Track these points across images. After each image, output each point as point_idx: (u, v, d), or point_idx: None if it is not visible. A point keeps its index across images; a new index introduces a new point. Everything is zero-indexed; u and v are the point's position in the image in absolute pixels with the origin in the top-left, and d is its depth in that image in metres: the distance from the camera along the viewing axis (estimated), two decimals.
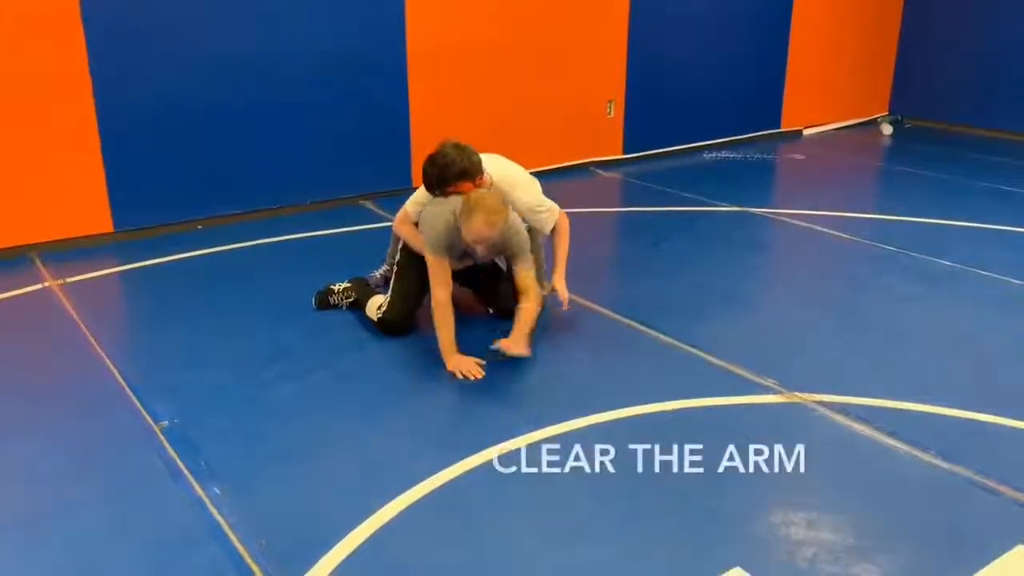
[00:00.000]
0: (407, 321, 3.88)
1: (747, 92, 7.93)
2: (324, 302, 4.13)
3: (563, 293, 3.92)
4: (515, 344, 3.57)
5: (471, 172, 3.68)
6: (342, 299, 4.12)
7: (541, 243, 4.10)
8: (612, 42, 6.94)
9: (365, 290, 4.10)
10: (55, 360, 3.69)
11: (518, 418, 3.20)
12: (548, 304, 4.00)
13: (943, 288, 4.54)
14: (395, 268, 3.95)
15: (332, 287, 4.15)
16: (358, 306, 4.06)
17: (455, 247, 3.62)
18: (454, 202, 3.59)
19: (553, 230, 3.97)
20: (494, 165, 3.89)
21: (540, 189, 3.99)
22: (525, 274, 3.69)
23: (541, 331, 3.92)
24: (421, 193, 3.86)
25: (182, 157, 5.27)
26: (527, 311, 3.65)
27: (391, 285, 3.95)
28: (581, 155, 7.04)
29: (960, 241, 5.25)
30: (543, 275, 4.15)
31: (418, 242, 3.73)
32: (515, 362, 3.60)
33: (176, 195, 5.30)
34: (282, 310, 4.13)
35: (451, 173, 3.64)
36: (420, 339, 3.84)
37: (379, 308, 3.88)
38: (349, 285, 4.14)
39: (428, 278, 3.62)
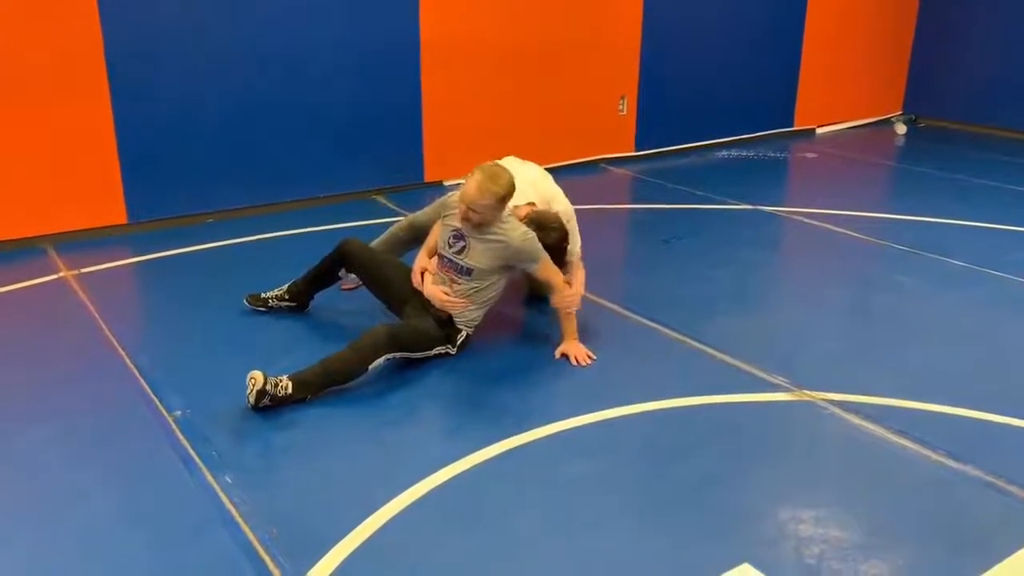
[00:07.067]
0: (357, 245, 3.85)
1: (760, 90, 7.90)
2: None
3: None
4: (571, 346, 3.66)
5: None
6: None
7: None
8: (625, 38, 6.92)
9: None
10: (69, 350, 3.72)
11: (529, 412, 3.22)
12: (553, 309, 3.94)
13: (955, 288, 4.52)
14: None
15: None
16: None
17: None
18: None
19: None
20: (533, 178, 3.95)
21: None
22: (544, 272, 3.61)
23: (553, 328, 3.93)
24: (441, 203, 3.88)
25: (196, 150, 5.30)
26: (563, 301, 3.64)
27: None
28: (593, 151, 7.03)
29: (973, 241, 5.23)
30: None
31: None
32: (526, 357, 3.62)
33: (190, 188, 5.33)
34: None
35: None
36: None
37: None
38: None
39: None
